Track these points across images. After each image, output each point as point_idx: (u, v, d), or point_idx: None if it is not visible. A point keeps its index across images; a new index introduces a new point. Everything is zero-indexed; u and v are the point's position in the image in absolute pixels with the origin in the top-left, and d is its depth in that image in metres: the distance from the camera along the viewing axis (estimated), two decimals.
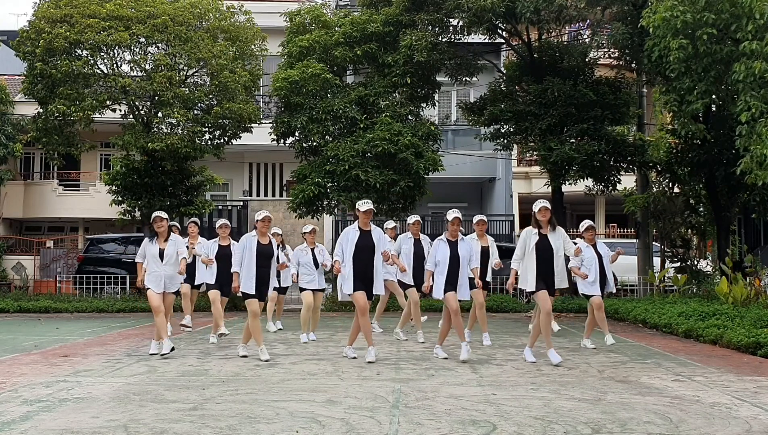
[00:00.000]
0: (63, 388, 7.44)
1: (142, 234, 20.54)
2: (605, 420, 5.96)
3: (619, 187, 20.05)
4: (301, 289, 11.61)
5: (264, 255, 9.50)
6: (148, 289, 9.90)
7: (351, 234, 9.26)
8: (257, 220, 9.52)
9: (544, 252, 9.07)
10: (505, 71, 21.33)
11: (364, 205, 9.35)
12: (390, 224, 12.76)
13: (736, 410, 6.38)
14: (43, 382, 7.79)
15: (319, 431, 5.58)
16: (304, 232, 11.80)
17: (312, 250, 11.61)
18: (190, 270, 11.86)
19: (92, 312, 18.21)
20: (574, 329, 13.50)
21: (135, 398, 6.89)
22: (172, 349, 9.82)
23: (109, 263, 21.28)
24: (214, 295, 11.26)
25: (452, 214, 9.53)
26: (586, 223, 11.09)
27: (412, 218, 11.81)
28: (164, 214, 10.18)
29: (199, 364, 9.23)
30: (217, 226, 11.75)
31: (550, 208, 9.24)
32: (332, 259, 9.92)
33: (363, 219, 9.29)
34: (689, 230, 20.23)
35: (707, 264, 19.98)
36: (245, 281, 9.41)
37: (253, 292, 9.44)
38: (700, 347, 11.08)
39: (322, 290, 11.92)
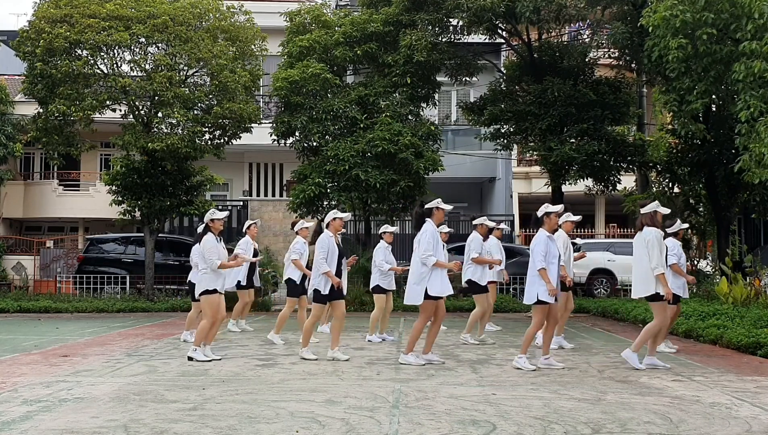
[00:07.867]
0: (63, 388, 7.45)
1: (142, 234, 20.54)
2: (605, 420, 5.96)
3: (619, 187, 20.04)
4: (380, 290, 11.34)
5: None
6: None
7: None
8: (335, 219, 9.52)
9: None
10: (505, 71, 21.33)
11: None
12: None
13: (736, 410, 6.38)
14: (43, 382, 7.80)
15: (319, 431, 5.58)
16: (386, 232, 11.64)
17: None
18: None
19: (92, 312, 18.19)
20: (573, 329, 13.50)
21: (135, 398, 6.90)
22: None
23: (109, 263, 21.26)
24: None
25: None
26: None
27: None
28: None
29: (199, 364, 9.23)
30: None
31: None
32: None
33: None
34: (689, 230, 20.22)
35: (707, 264, 19.97)
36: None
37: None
38: (700, 347, 11.09)
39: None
